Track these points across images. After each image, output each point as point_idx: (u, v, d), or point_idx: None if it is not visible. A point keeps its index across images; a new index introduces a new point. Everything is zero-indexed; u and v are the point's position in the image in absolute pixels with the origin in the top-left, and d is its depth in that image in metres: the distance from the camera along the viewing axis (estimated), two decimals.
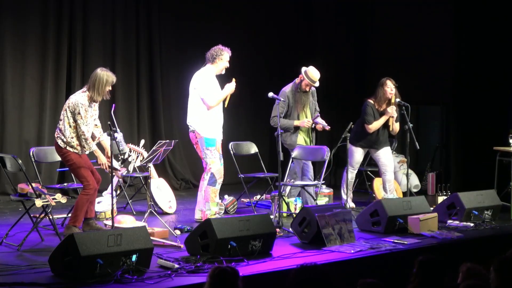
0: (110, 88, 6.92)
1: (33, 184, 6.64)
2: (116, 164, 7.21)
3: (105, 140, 7.05)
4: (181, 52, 10.99)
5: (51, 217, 6.72)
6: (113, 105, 8.58)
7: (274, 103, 8.21)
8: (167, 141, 7.57)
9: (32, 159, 7.59)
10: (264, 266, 5.66)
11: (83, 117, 6.74)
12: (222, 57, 7.69)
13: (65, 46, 9.73)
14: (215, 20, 11.27)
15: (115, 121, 8.08)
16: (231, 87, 7.72)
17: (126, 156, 8.12)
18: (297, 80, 8.54)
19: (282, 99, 8.10)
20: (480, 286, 4.01)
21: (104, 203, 8.02)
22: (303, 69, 8.49)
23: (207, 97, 7.65)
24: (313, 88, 8.64)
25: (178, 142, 9.02)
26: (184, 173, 11.04)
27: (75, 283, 5.00)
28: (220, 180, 7.75)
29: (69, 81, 9.81)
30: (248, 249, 6.02)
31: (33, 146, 8.65)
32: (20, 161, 6.60)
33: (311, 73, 8.43)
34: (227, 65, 7.77)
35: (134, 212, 8.33)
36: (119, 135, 7.08)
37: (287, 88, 8.56)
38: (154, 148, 7.44)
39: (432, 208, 7.88)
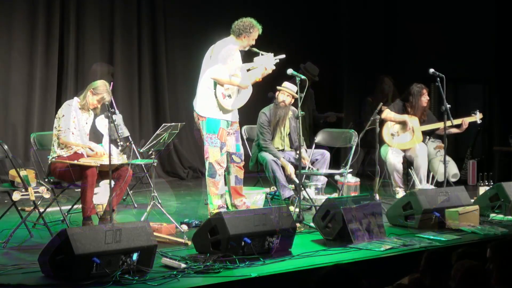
0: (98, 102, 6.88)
1: (24, 172, 6.62)
2: (115, 152, 7.16)
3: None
4: (187, 24, 10.96)
5: (41, 210, 6.71)
6: (111, 82, 8.55)
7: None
8: (173, 124, 7.50)
9: (34, 147, 7.35)
10: (282, 266, 5.62)
11: (66, 119, 6.76)
12: (249, 35, 7.46)
13: (56, 15, 9.71)
14: None
15: (114, 101, 8.05)
16: (260, 71, 7.49)
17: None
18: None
19: (302, 76, 7.96)
20: (477, 266, 4.15)
21: (100, 194, 7.97)
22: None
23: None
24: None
25: (185, 124, 8.96)
26: (192, 160, 11.02)
27: (68, 285, 4.98)
28: (220, 171, 7.39)
29: (61, 56, 9.77)
30: (265, 246, 5.99)
31: (20, 129, 8.60)
32: (6, 147, 6.56)
33: (284, 85, 8.55)
34: (253, 43, 7.57)
35: (136, 205, 8.33)
36: (118, 117, 7.05)
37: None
38: (158, 132, 7.39)
39: (472, 200, 7.90)
